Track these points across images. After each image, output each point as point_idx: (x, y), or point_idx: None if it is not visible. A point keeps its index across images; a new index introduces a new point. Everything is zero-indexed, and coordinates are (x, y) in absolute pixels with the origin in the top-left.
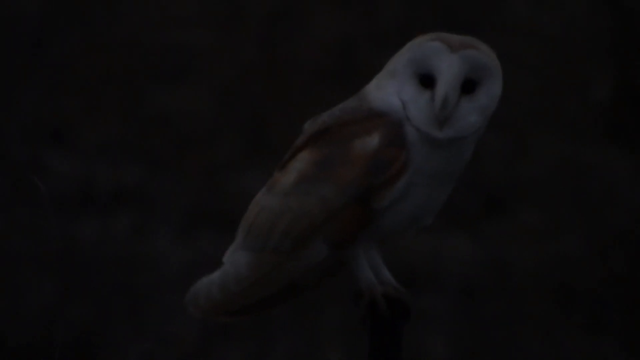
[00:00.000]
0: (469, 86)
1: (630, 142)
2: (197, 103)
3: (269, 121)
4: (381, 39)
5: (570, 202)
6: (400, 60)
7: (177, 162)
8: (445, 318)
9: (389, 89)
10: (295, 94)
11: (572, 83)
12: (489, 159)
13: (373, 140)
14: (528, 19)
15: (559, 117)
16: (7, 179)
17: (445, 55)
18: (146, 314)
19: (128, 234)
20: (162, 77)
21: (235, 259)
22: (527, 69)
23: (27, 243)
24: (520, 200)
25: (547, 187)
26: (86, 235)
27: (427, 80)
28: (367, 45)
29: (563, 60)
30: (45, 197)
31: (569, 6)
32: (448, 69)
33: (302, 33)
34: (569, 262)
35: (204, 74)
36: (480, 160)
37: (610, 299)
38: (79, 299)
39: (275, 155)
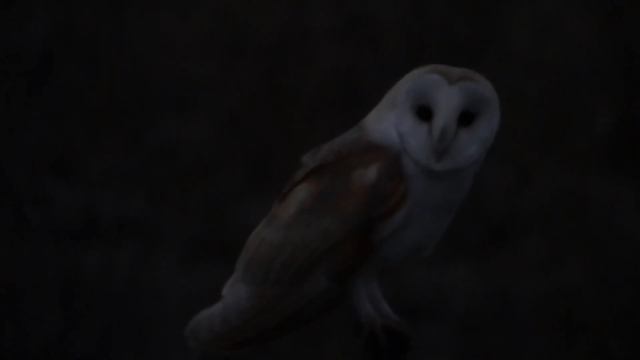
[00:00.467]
0: (467, 118)
1: (633, 172)
2: (201, 134)
3: (272, 153)
4: (384, 70)
5: (573, 233)
6: (399, 92)
7: (180, 193)
8: (447, 349)
9: (388, 121)
10: (298, 125)
11: (574, 113)
12: (491, 190)
13: (372, 173)
14: (530, 49)
15: (562, 147)
16: (10, 209)
17: (443, 87)
18: (148, 345)
19: (131, 265)
20: (166, 108)
21: (235, 291)
22: (530, 99)
23: (30, 274)
24: (522, 231)
25: (549, 218)
26: (89, 265)
27: (425, 113)
28: (369, 76)
29: (565, 90)
30: (47, 228)
31: (572, 36)
32: (446, 101)
33: (305, 64)
34: (572, 292)
35: (207, 106)
36: (482, 191)
37: (613, 330)
38: (82, 329)
39: (277, 187)
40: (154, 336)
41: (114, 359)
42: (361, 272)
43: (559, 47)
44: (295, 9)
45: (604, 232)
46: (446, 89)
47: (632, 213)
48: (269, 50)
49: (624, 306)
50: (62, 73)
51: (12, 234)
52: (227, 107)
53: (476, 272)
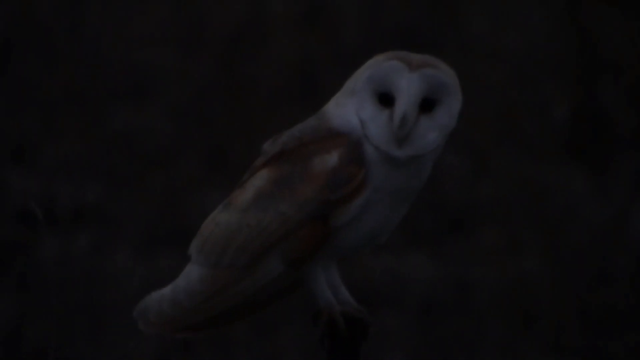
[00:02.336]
0: (427, 105)
1: (590, 161)
2: (158, 122)
3: (229, 141)
4: (341, 59)
5: (530, 222)
6: (359, 78)
7: (137, 180)
8: (405, 337)
9: (348, 108)
10: (255, 113)
11: (532, 103)
12: (449, 179)
13: (332, 158)
14: (488, 39)
15: (519, 136)
16: None
17: (404, 74)
18: (106, 332)
19: (88, 252)
20: (123, 96)
21: (187, 273)
22: (488, 88)
23: None
24: (480, 220)
25: (507, 207)
26: (46, 253)
27: (385, 99)
28: (327, 65)
29: (523, 79)
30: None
31: (530, 26)
32: (407, 87)
33: (262, 53)
34: (529, 281)
35: (165, 93)
36: (441, 180)
37: (570, 318)
38: (38, 317)
39: (235, 175)
40: (111, 324)
41: (70, 347)
42: (319, 258)
43: (517, 37)
44: None
45: (561, 221)
46: (407, 76)
47: (588, 201)
48: (227, 39)
49: (581, 294)
50: (19, 61)
51: None
52: (184, 95)
53: (434, 261)
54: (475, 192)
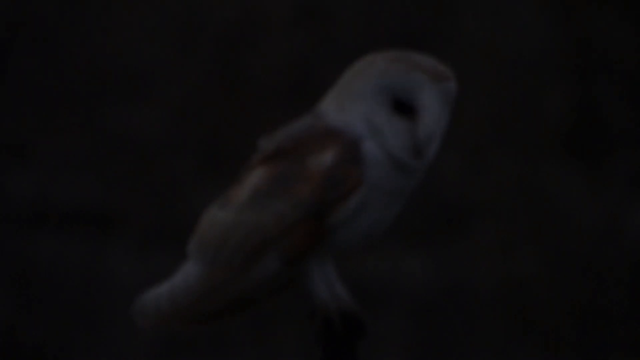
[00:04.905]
0: None
1: (587, 161)
2: (154, 121)
3: (225, 139)
4: (337, 57)
5: (527, 222)
6: (369, 82)
7: (133, 180)
8: (400, 337)
9: (354, 110)
10: (250, 112)
11: (528, 101)
12: (445, 178)
13: (328, 157)
14: (483, 37)
15: (515, 136)
16: None
17: (427, 86)
18: (103, 333)
19: (85, 253)
20: (119, 96)
21: (184, 271)
22: (483, 87)
23: None
24: (476, 220)
25: (503, 207)
26: (42, 253)
27: (402, 107)
28: (322, 64)
29: (518, 78)
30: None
31: (524, 24)
32: (431, 103)
33: (257, 51)
34: (526, 282)
35: (160, 93)
36: (436, 180)
37: (567, 320)
38: (34, 319)
39: (231, 173)
40: (109, 325)
41: (67, 349)
42: (315, 256)
43: (512, 35)
44: None
45: (557, 221)
46: (430, 90)
47: (586, 202)
48: (222, 37)
49: (578, 296)
50: (15, 59)
51: None
52: (180, 93)
53: (428, 261)
54: (470, 191)
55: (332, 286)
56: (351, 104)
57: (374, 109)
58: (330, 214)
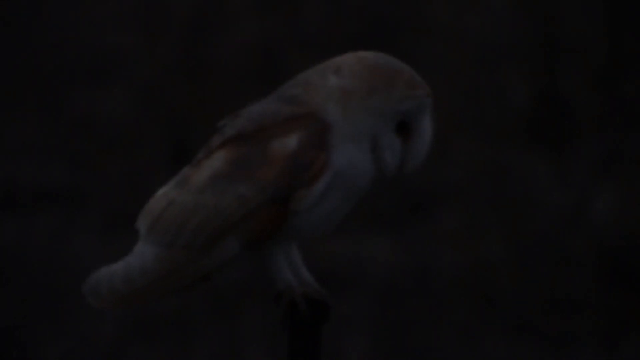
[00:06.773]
0: None
1: (552, 145)
2: (120, 105)
3: (190, 124)
4: (303, 41)
5: (492, 206)
6: (388, 105)
7: (99, 164)
8: (365, 321)
9: (365, 124)
10: (217, 96)
11: (493, 86)
12: None
13: (292, 141)
14: (448, 23)
15: (480, 120)
16: None
17: (427, 109)
18: (67, 315)
19: (49, 236)
20: (84, 79)
21: (140, 251)
22: (448, 72)
23: None
24: (441, 204)
25: (468, 191)
26: (8, 234)
27: (403, 128)
28: (289, 47)
29: (483, 63)
30: None
31: (489, 10)
32: (428, 125)
33: (224, 35)
34: (491, 265)
35: (126, 76)
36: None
37: (532, 304)
38: (0, 298)
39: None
40: (73, 308)
41: (31, 332)
42: (278, 240)
43: (478, 20)
44: None
45: (522, 205)
46: (428, 112)
47: (550, 186)
48: (187, 22)
49: (543, 279)
50: None
51: None
52: (145, 78)
53: (394, 245)
54: (435, 175)
55: (297, 270)
56: (364, 115)
57: (383, 130)
58: (295, 199)
